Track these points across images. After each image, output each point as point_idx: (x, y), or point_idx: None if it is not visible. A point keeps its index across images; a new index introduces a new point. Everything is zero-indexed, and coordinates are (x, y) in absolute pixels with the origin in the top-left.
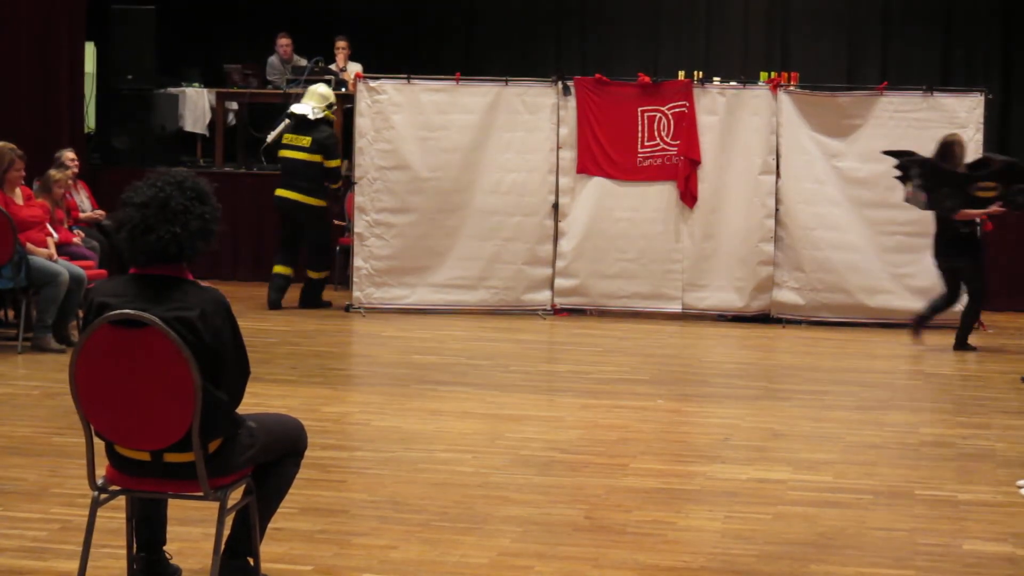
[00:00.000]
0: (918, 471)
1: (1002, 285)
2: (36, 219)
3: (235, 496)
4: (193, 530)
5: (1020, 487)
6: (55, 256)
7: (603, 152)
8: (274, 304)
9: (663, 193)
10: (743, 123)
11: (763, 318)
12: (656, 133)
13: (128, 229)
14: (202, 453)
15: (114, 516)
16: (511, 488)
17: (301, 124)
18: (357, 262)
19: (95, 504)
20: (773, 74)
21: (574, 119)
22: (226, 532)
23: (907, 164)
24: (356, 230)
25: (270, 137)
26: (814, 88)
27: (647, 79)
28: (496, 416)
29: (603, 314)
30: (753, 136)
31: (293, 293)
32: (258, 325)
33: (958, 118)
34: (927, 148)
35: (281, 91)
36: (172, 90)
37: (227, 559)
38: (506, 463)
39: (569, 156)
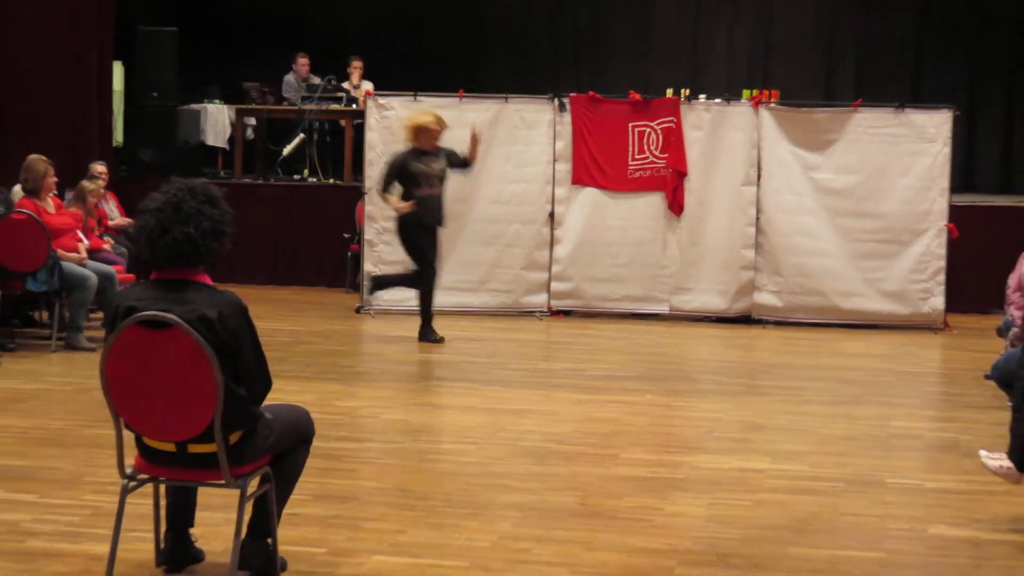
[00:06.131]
0: (888, 461)
1: (968, 289)
2: (67, 227)
3: (254, 484)
4: (216, 515)
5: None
6: (86, 259)
7: (596, 164)
8: None
9: (652, 203)
10: (727, 138)
11: (744, 319)
12: (646, 147)
13: (146, 233)
14: (223, 444)
15: (142, 503)
16: (511, 477)
17: None
18: (367, 267)
19: (124, 491)
20: (755, 92)
21: (569, 133)
22: (247, 517)
23: None
24: (366, 237)
25: (286, 150)
26: (793, 105)
27: (638, 96)
28: (497, 410)
29: (595, 315)
30: (736, 150)
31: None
32: (274, 326)
33: (927, 133)
34: (900, 162)
35: (296, 107)
36: (194, 106)
37: (248, 540)
38: (506, 454)
39: (564, 168)
